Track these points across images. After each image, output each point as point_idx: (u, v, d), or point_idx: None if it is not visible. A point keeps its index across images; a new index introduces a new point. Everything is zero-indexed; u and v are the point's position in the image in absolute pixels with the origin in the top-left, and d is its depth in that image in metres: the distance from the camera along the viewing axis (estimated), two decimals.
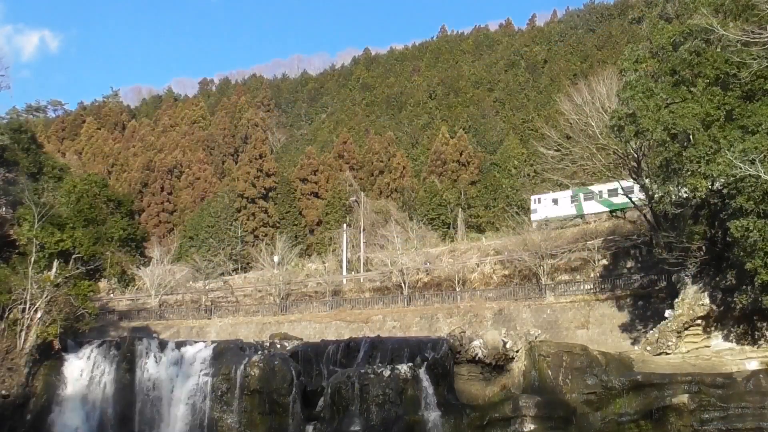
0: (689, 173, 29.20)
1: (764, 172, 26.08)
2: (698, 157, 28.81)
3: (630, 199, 43.41)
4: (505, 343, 32.49)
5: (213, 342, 37.47)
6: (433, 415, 30.18)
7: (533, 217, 65.63)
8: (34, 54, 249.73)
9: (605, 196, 58.95)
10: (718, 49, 30.47)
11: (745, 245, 27.48)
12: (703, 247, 32.35)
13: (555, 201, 65.41)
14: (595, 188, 59.09)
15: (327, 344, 36.63)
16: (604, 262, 49.93)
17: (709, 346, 32.86)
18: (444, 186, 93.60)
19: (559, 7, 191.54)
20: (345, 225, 76.20)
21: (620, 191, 51.03)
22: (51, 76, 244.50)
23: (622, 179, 42.53)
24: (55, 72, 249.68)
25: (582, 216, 62.14)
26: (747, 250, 27.60)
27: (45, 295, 34.87)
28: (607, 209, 58.83)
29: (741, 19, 29.98)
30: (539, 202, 66.95)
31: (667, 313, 34.59)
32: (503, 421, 30.02)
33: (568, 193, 62.81)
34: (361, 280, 64.56)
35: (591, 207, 60.73)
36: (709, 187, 28.93)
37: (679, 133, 29.89)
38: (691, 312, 32.63)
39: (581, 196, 61.86)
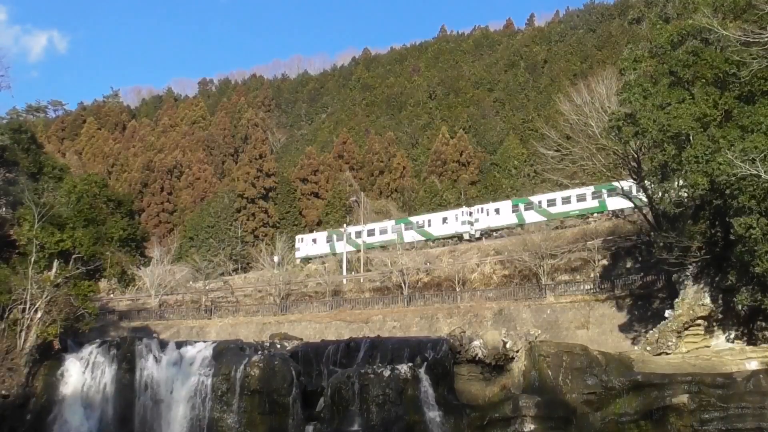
0: (688, 171, 29.16)
1: (765, 172, 26.07)
2: (696, 156, 28.80)
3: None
4: (505, 343, 32.43)
5: (213, 342, 37.41)
6: (433, 415, 30.13)
7: (297, 254, 76.78)
8: (40, 55, 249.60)
9: (353, 237, 74.19)
10: (718, 50, 30.46)
11: (749, 244, 27.44)
12: (703, 247, 32.30)
13: (314, 240, 78.47)
14: (351, 229, 75.82)
15: (327, 344, 36.57)
16: (604, 262, 49.94)
17: (709, 346, 32.83)
18: (444, 186, 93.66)
19: (559, 7, 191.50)
20: (345, 225, 76.24)
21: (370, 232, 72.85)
22: (54, 77, 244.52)
23: (622, 179, 42.59)
24: (57, 73, 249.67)
25: (335, 254, 74.43)
26: (750, 249, 27.56)
27: (45, 295, 34.80)
28: (355, 249, 72.98)
29: (741, 19, 29.97)
30: (302, 241, 79.39)
31: (667, 313, 34.58)
32: (503, 421, 29.97)
33: (324, 234, 78.89)
34: (361, 280, 64.56)
35: (340, 247, 73.62)
36: (708, 187, 28.88)
37: (676, 134, 29.87)
38: (691, 312, 32.61)
39: (334, 237, 76.32)
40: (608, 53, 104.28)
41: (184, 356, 34.88)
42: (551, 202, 65.59)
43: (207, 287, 68.92)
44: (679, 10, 35.62)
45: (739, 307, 30.68)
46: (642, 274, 45.03)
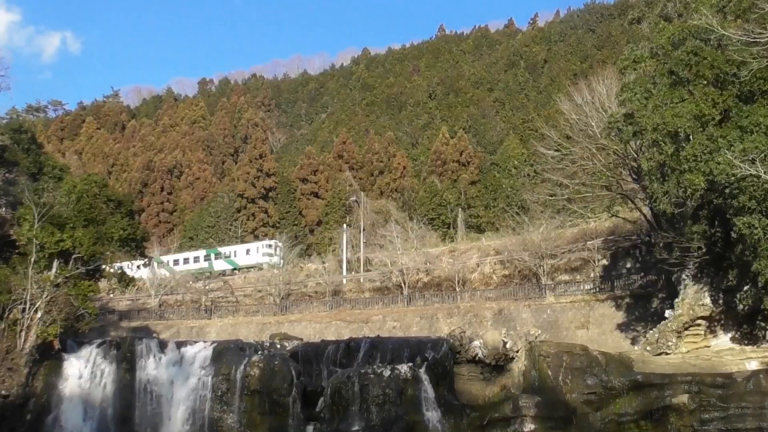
0: (687, 171, 29.13)
1: (764, 172, 26.05)
2: (695, 155, 28.78)
3: None
4: (505, 343, 32.41)
5: (213, 342, 37.40)
6: (433, 415, 30.12)
7: None
8: (53, 56, 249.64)
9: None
10: (718, 50, 30.44)
11: (752, 244, 27.39)
12: (703, 247, 32.28)
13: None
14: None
15: (327, 344, 36.55)
16: (604, 262, 49.87)
17: (709, 346, 32.80)
18: (444, 186, 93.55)
19: (559, 7, 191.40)
20: (345, 225, 76.21)
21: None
22: (63, 79, 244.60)
23: (622, 179, 42.52)
24: (66, 74, 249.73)
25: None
26: (752, 249, 27.52)
27: (45, 295, 34.80)
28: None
29: (741, 19, 29.97)
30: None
31: (667, 313, 34.54)
32: (503, 421, 29.95)
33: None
34: (361, 280, 64.51)
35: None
36: (705, 186, 28.83)
37: (674, 132, 29.85)
38: (691, 312, 32.58)
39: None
40: (608, 53, 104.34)
41: (184, 356, 34.87)
42: (176, 262, 78.62)
43: (207, 287, 68.90)
44: (680, 10, 35.65)
45: (740, 307, 30.65)
46: (642, 274, 44.97)
